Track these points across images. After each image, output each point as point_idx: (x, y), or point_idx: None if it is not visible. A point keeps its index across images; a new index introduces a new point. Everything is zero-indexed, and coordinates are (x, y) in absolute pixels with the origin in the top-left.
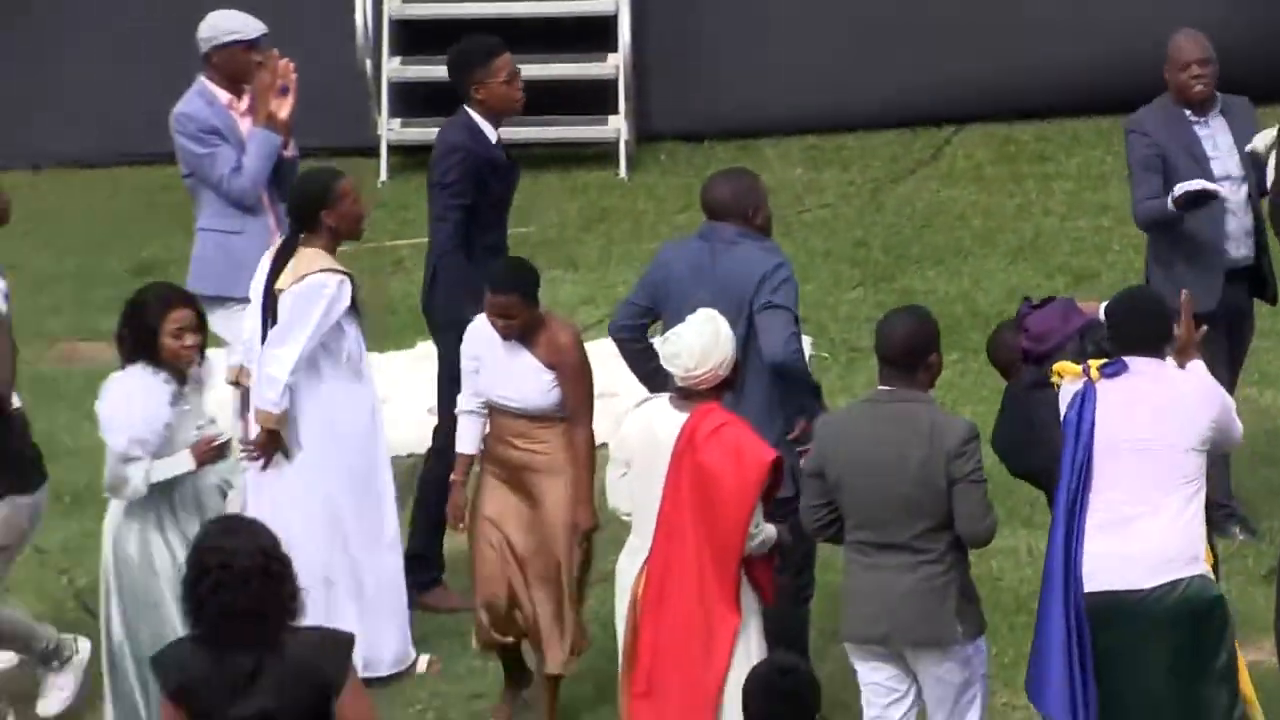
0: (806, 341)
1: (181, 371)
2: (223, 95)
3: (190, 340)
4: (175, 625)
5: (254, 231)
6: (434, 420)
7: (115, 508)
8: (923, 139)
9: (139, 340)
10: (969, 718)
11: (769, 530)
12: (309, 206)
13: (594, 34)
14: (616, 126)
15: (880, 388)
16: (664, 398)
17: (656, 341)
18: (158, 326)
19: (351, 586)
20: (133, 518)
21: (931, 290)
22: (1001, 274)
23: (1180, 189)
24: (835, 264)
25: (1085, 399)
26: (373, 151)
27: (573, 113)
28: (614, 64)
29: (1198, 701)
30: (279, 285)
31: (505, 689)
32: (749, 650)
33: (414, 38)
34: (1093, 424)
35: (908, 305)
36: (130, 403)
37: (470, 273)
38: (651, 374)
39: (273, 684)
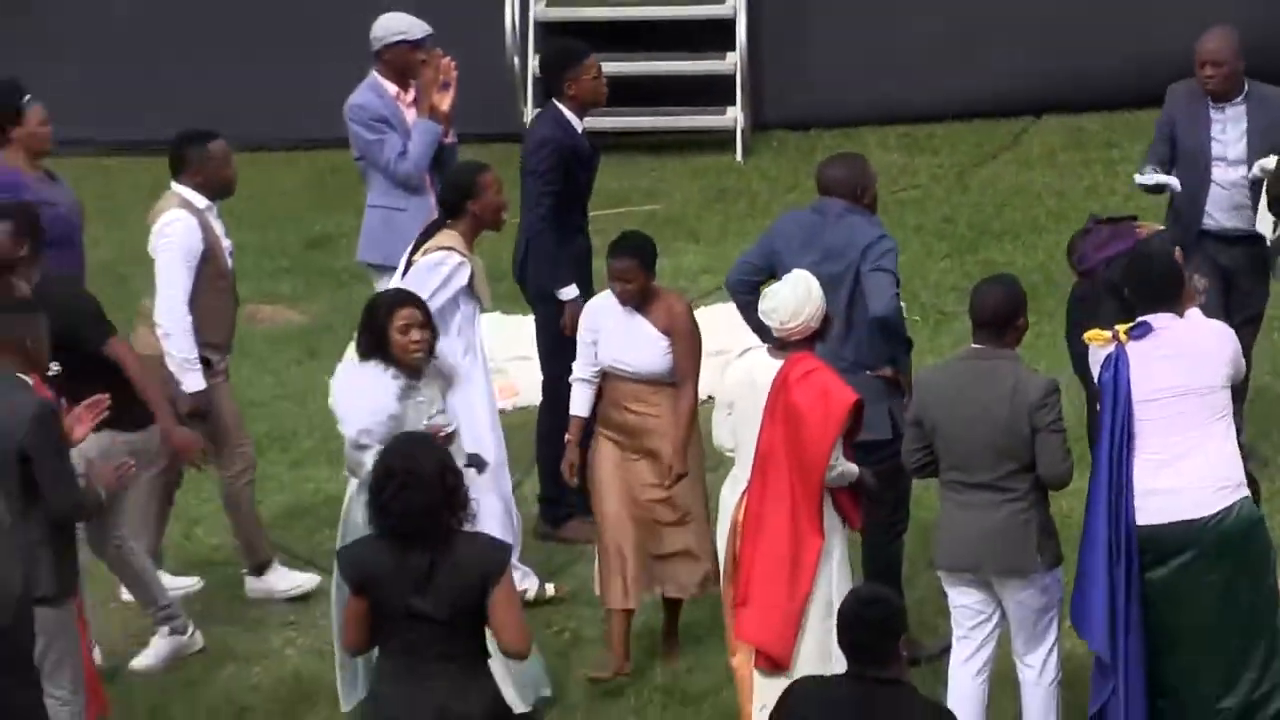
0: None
1: (414, 367)
2: (391, 88)
3: (416, 335)
4: None
5: (416, 208)
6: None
7: (354, 481)
8: (1003, 128)
9: (373, 338)
10: (1046, 638)
11: (847, 466)
12: (456, 196)
13: (714, 35)
14: (734, 117)
15: (973, 346)
16: (763, 348)
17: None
18: (386, 323)
19: None
20: (364, 492)
21: (1010, 261)
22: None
23: (1138, 179)
24: (925, 238)
25: (1119, 361)
26: (518, 138)
27: (696, 104)
28: (732, 62)
29: (1246, 629)
30: (414, 258)
31: (613, 648)
32: (831, 568)
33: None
34: (1128, 383)
35: (999, 275)
36: (359, 397)
37: (558, 250)
38: (760, 323)
39: (444, 579)
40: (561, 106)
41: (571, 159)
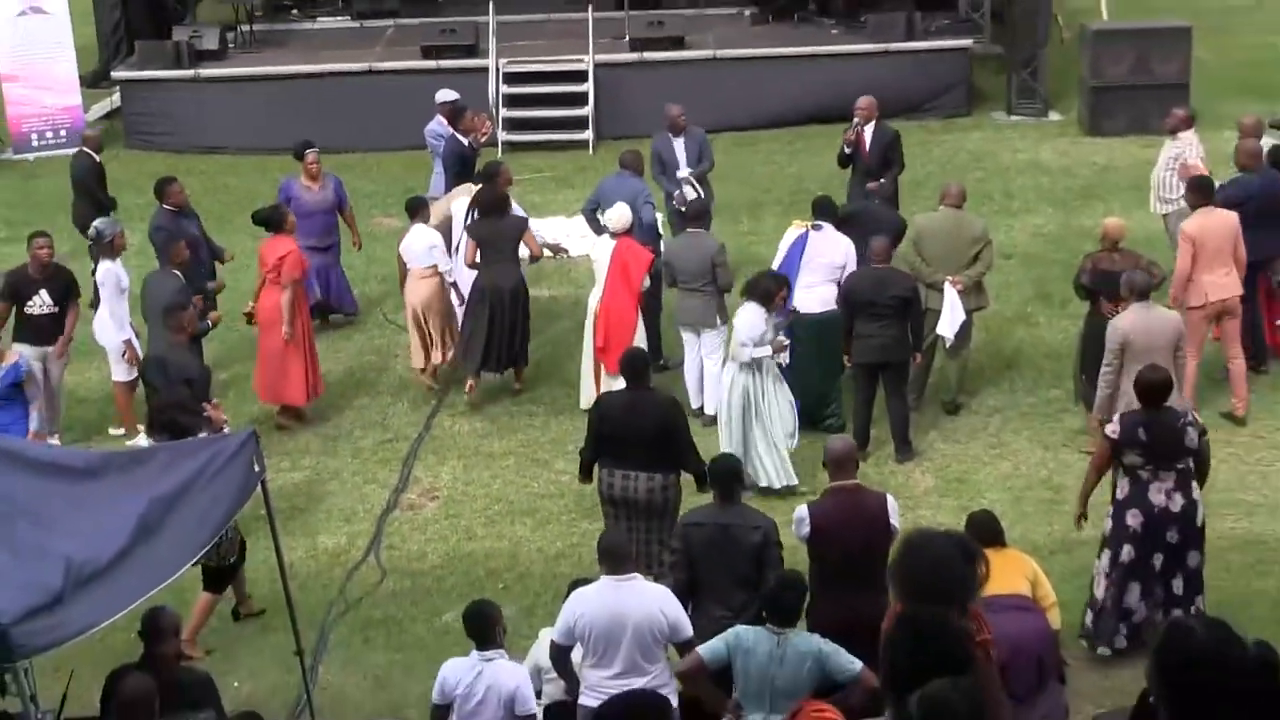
0: (660, 217)
1: (774, 306)
2: (444, 121)
3: (784, 296)
4: (734, 418)
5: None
6: None
7: (733, 364)
8: (730, 138)
9: (763, 294)
10: (717, 355)
11: (646, 283)
12: (489, 175)
13: (579, 98)
14: (589, 135)
15: (688, 230)
16: (606, 236)
17: (602, 217)
18: (774, 289)
19: None
20: (732, 367)
21: (726, 194)
22: (775, 216)
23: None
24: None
25: (804, 238)
26: (494, 145)
27: (573, 129)
28: (588, 110)
29: (829, 364)
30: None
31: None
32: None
33: (512, 100)
34: (803, 251)
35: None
36: (746, 317)
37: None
38: (598, 228)
39: (503, 229)
40: (459, 135)
41: (461, 156)
